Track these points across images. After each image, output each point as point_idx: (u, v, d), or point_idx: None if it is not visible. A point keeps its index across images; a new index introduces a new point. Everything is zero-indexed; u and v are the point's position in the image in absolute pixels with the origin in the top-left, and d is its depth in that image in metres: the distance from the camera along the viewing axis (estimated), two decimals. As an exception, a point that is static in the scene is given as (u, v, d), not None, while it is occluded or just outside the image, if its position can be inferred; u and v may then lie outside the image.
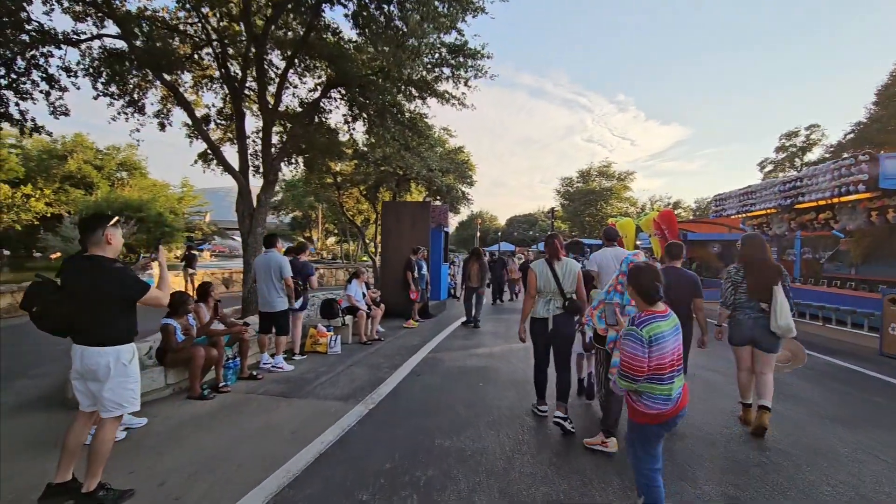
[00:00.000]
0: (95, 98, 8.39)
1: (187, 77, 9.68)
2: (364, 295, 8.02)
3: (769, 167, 33.99)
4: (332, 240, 51.49)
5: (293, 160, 11.67)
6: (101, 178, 29.95)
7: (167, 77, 8.50)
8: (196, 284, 12.48)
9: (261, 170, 9.44)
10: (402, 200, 15.37)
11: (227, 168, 8.66)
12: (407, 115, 9.39)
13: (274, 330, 5.85)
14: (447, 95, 8.83)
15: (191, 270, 14.47)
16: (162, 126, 9.97)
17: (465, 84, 8.64)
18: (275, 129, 9.46)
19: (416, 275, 9.84)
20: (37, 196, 26.41)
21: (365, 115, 9.78)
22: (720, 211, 14.32)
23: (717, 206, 14.58)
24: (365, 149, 13.24)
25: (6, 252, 25.11)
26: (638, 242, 22.86)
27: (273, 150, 8.98)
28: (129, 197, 26.40)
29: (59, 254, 22.73)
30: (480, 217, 67.97)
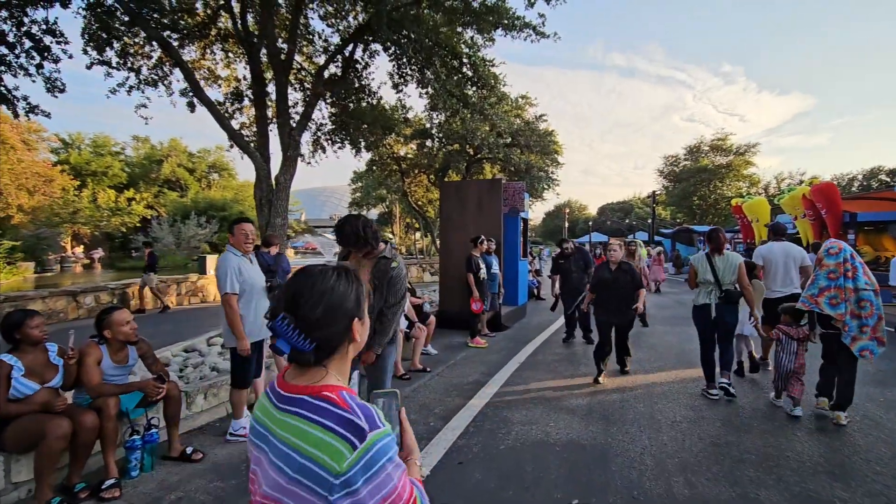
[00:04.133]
0: (89, 67, 7.00)
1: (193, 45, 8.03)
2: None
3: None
4: (417, 234, 50.58)
5: (336, 137, 9.69)
6: (192, 179, 31.39)
7: (169, 37, 6.82)
8: (164, 296, 10.75)
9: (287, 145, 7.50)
10: (465, 180, 12.87)
11: (238, 142, 6.82)
12: (464, 59, 6.85)
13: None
14: (515, 21, 6.16)
15: (154, 277, 10.21)
16: (191, 106, 8.51)
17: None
18: (297, 93, 7.42)
19: (481, 277, 7.35)
20: (138, 199, 28.07)
21: (410, 67, 7.44)
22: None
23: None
24: (425, 123, 10.95)
25: (98, 253, 26.83)
26: (775, 227, 18.12)
27: (291, 119, 6.97)
28: (213, 197, 27.14)
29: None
30: (569, 206, 63.29)
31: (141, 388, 3.07)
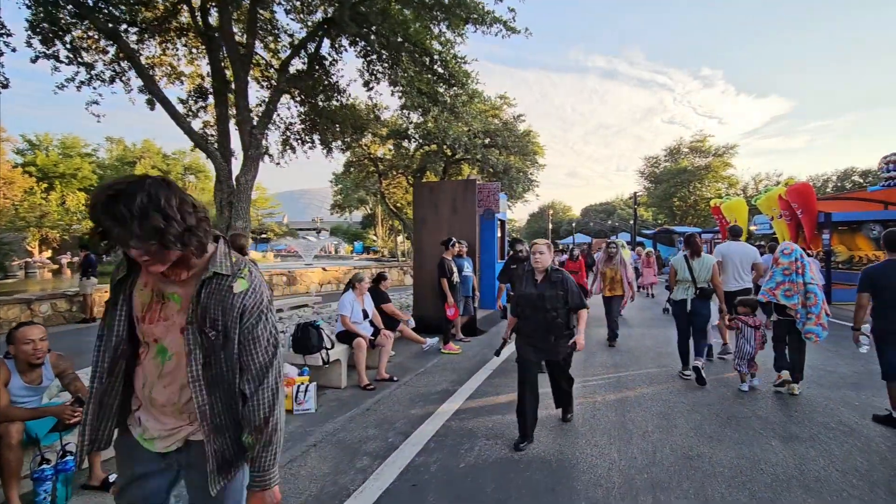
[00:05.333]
0: (33, 61, 6.58)
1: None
2: (367, 314, 5.44)
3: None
4: (400, 237, 50.29)
5: (307, 137, 9.37)
6: (168, 182, 30.56)
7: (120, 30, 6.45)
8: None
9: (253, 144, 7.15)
10: (439, 181, 12.61)
11: (196, 140, 6.47)
12: (434, 56, 6.61)
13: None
14: (485, 16, 5.94)
15: (89, 283, 9.31)
16: (151, 104, 8.09)
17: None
18: (265, 91, 7.09)
19: (454, 281, 7.12)
20: (109, 202, 27.10)
21: (381, 65, 7.18)
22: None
23: (889, 171, 10.25)
24: (401, 123, 10.69)
25: (67, 258, 25.84)
26: (753, 227, 18.30)
27: (253, 115, 6.65)
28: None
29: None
30: (553, 208, 63.52)
31: (54, 413, 2.75)
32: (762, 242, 12.60)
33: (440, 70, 6.92)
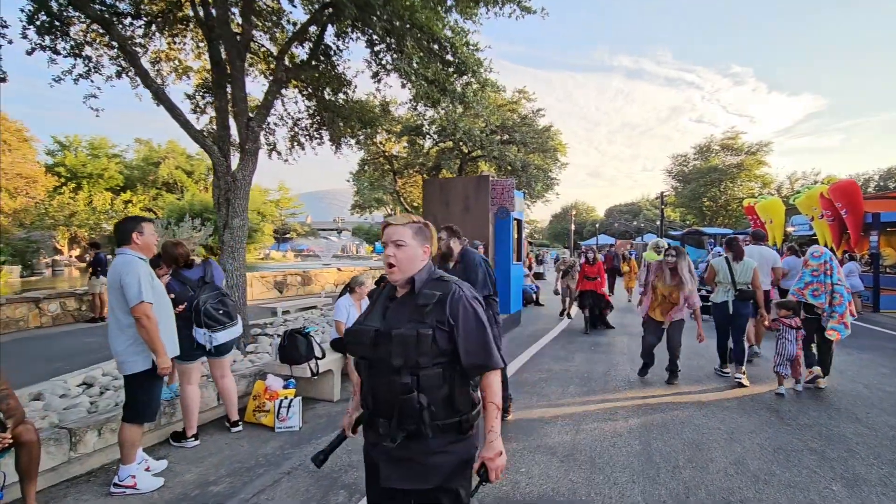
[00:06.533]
0: (30, 53, 6.38)
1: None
2: (363, 319, 4.99)
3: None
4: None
5: (315, 133, 9.01)
6: (191, 182, 30.97)
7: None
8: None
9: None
10: (451, 177, 12.08)
11: (192, 133, 6.15)
12: (444, 43, 6.14)
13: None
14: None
15: (99, 283, 9.43)
16: (157, 100, 7.86)
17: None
18: (264, 83, 6.73)
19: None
20: (134, 202, 27.65)
21: (391, 55, 6.75)
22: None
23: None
24: (415, 119, 10.24)
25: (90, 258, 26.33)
26: (790, 228, 17.17)
27: (249, 106, 6.30)
28: (209, 200, 26.69)
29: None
30: (576, 208, 62.25)
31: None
32: (793, 244, 11.64)
33: (450, 58, 6.43)
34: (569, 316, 9.54)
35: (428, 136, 12.03)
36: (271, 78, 7.54)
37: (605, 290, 8.02)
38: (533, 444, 3.61)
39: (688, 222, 39.72)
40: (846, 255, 11.52)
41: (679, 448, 3.52)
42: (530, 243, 36.20)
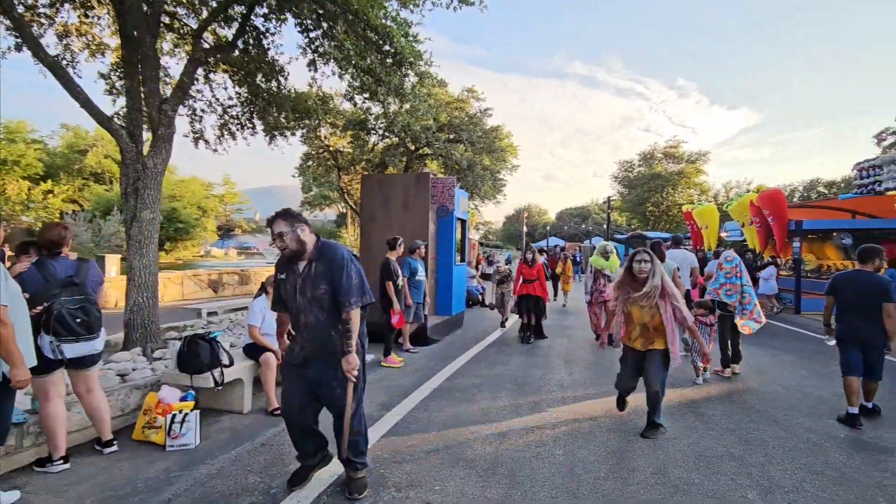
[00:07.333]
0: None
1: None
2: (282, 324, 4.57)
3: (890, 139, 27.36)
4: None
5: (248, 122, 8.43)
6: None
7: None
8: None
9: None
10: (389, 174, 11.75)
11: (95, 114, 5.49)
12: (380, 30, 5.81)
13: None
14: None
15: None
16: (54, 72, 7.00)
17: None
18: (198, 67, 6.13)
19: (399, 284, 6.34)
20: (56, 192, 25.30)
21: (330, 43, 6.34)
22: (871, 185, 9.63)
23: (862, 178, 9.90)
24: (360, 113, 9.82)
25: (7, 251, 23.97)
26: (723, 234, 18.05)
27: (161, 87, 5.71)
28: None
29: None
30: (528, 210, 63.37)
31: None
32: (702, 248, 12.14)
33: (388, 48, 6.12)
34: (503, 325, 9.06)
35: (373, 132, 11.59)
36: (206, 62, 6.95)
37: (545, 292, 7.83)
38: (453, 458, 3.37)
39: (632, 226, 41.34)
40: (769, 260, 12.18)
41: (603, 457, 3.39)
42: (482, 244, 36.39)
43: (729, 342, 5.67)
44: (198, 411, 3.60)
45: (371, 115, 11.10)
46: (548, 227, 56.00)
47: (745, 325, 5.44)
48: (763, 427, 4.02)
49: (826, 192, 37.81)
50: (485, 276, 16.42)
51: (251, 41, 6.72)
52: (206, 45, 6.14)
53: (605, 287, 6.99)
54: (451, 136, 12.23)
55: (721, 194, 41.58)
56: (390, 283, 6.22)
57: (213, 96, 8.13)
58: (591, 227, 52.48)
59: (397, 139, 11.29)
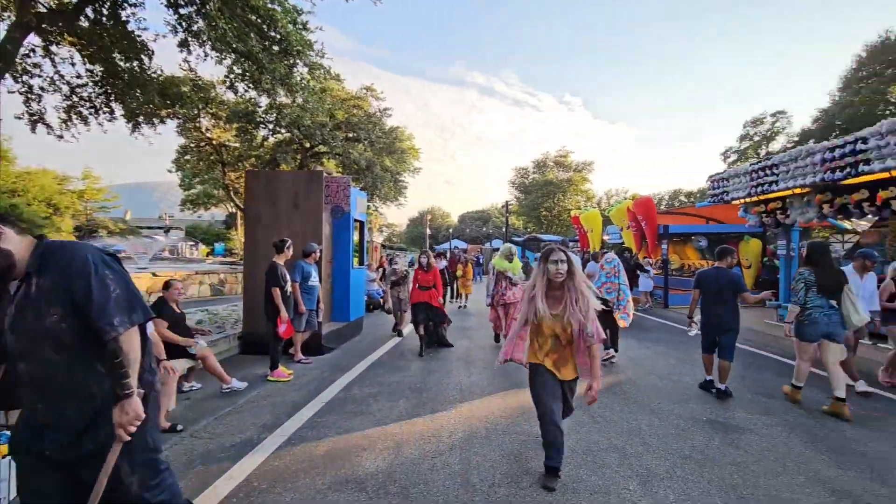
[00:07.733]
0: None
1: None
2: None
3: (733, 157, 32.29)
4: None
5: (99, 104, 7.24)
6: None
7: None
8: None
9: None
10: (278, 171, 11.05)
11: None
12: (261, 12, 5.30)
13: None
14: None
15: None
16: None
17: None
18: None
19: (288, 290, 5.84)
20: None
21: (207, 23, 5.63)
22: (721, 195, 11.11)
23: (714, 189, 11.38)
24: (245, 104, 8.96)
25: None
26: (605, 237, 19.78)
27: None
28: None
29: None
30: (431, 213, 64.11)
31: None
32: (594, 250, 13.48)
33: (272, 34, 5.61)
34: (400, 334, 8.46)
35: (262, 126, 10.70)
36: (50, 32, 5.77)
37: (441, 300, 7.62)
38: (342, 477, 3.09)
39: (528, 230, 43.84)
40: (644, 261, 13.55)
41: (498, 461, 3.34)
42: (386, 247, 35.95)
43: (608, 332, 6.18)
44: (10, 458, 2.87)
45: (259, 107, 10.26)
46: (451, 230, 57.20)
47: (620, 319, 6.20)
48: (640, 416, 4.30)
49: (686, 200, 43.53)
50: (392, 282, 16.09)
51: (104, 10, 5.75)
52: (40, 9, 5.08)
53: (507, 289, 7.11)
54: (350, 135, 11.75)
55: (603, 201, 45.88)
56: (277, 289, 5.70)
57: (57, 72, 6.86)
58: (491, 230, 54.62)
59: (289, 135, 10.53)
